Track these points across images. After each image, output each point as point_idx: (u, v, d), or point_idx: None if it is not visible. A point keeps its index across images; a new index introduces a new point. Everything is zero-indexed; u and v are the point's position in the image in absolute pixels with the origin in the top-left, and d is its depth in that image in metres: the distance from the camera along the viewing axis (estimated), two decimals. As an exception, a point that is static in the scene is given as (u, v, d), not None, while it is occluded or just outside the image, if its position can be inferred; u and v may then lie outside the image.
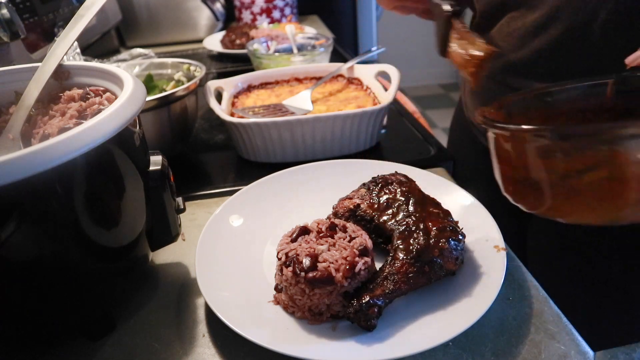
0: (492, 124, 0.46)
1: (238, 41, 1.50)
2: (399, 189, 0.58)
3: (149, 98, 0.70)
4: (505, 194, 0.49)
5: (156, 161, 0.51)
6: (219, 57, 1.53)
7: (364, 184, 0.61)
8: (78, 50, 0.85)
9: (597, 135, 0.40)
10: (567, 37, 0.63)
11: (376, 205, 0.56)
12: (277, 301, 0.50)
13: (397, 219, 0.54)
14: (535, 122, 0.55)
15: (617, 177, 0.39)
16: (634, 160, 0.38)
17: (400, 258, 0.48)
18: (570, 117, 0.54)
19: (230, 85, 0.93)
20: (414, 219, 0.52)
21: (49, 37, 0.94)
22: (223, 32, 1.60)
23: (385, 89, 0.87)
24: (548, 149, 0.42)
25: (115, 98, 0.49)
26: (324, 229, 0.51)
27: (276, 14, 1.79)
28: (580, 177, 0.41)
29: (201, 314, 0.51)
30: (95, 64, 0.55)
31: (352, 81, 0.96)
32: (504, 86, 0.74)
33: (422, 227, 0.51)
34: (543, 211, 0.45)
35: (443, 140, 0.86)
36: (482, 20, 0.76)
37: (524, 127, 0.44)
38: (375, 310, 0.45)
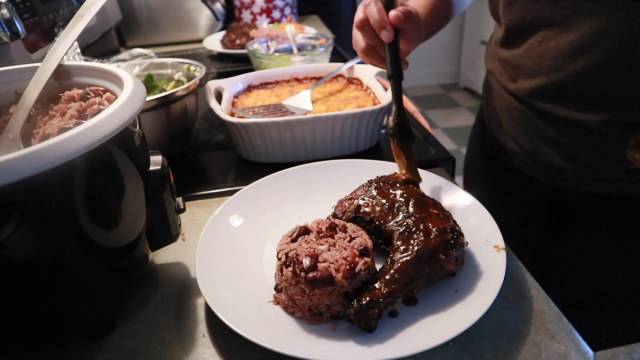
0: None
1: (238, 41, 1.50)
2: (399, 190, 0.58)
3: (149, 98, 0.70)
4: None
5: (156, 161, 0.51)
6: (219, 57, 1.53)
7: (364, 185, 0.61)
8: (78, 50, 0.85)
9: None
10: (608, 62, 0.59)
11: (376, 207, 0.56)
12: (277, 301, 0.50)
13: (397, 219, 0.53)
14: None
15: None
16: None
17: (401, 259, 0.48)
18: None
19: (230, 85, 0.93)
20: (414, 219, 0.52)
21: (49, 37, 0.94)
22: (223, 32, 1.60)
23: (385, 89, 0.87)
24: None
25: (115, 98, 0.49)
26: (324, 229, 0.51)
27: (276, 14, 1.79)
28: None
29: (201, 314, 0.51)
30: (95, 64, 0.55)
31: (352, 81, 0.96)
32: (533, 110, 0.72)
33: (422, 227, 0.51)
34: None
35: (443, 140, 0.86)
36: (508, 36, 0.73)
37: None
38: (376, 311, 0.45)
